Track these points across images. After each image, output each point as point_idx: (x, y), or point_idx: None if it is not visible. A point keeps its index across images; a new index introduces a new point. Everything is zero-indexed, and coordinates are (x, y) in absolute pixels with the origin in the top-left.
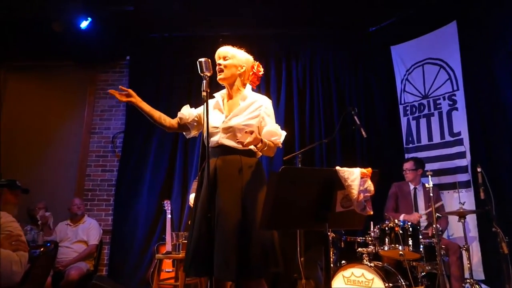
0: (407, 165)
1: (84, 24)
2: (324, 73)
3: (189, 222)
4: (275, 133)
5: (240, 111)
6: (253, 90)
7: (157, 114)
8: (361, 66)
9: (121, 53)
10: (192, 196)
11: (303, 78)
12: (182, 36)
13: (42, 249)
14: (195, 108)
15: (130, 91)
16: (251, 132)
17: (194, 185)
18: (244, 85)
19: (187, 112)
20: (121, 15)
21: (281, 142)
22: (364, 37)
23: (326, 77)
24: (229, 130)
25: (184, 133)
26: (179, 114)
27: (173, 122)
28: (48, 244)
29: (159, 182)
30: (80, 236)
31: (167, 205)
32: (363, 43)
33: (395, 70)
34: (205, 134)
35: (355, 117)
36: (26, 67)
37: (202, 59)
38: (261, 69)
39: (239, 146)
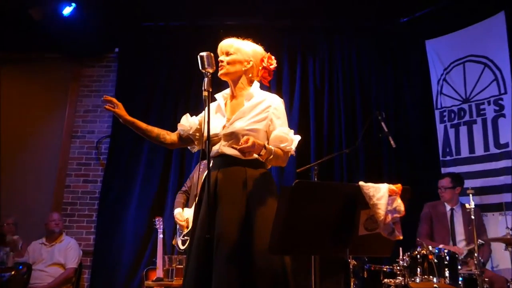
0: (443, 182)
1: (67, 11)
2: (346, 71)
3: (173, 242)
4: (285, 139)
5: (244, 113)
6: (264, 87)
7: (155, 131)
8: (390, 64)
9: (109, 45)
10: (177, 211)
11: (321, 77)
12: (180, 26)
13: (12, 272)
14: (196, 115)
15: (115, 100)
16: (247, 141)
17: (179, 198)
18: (251, 82)
19: (188, 122)
20: (110, 1)
21: (294, 149)
22: (394, 30)
23: (349, 76)
24: (231, 137)
25: (189, 147)
26: (179, 126)
27: (174, 137)
28: (20, 267)
29: (150, 195)
30: (56, 258)
31: (159, 223)
32: (393, 37)
33: (430, 68)
34: (205, 142)
35: (382, 124)
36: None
37: (204, 53)
38: (273, 62)
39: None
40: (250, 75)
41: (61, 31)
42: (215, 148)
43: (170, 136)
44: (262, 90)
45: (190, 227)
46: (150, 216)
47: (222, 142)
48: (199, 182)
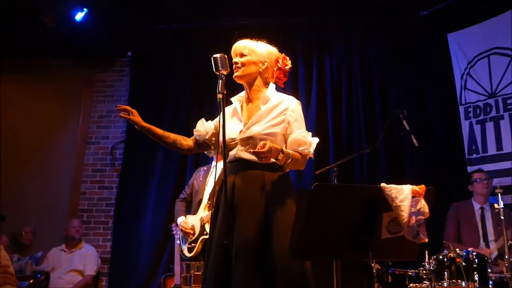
0: (480, 175)
1: (79, 16)
2: (365, 68)
3: (178, 249)
4: (303, 142)
5: (261, 117)
6: (279, 88)
7: (171, 137)
8: (410, 59)
9: (122, 49)
10: (181, 219)
11: (338, 75)
12: (193, 28)
13: (31, 280)
14: (211, 118)
15: (129, 108)
16: (263, 146)
17: (180, 206)
18: (267, 84)
19: (203, 127)
20: (122, 4)
21: (312, 152)
22: (414, 24)
23: (367, 73)
24: (248, 142)
25: (205, 152)
26: (195, 132)
27: (190, 142)
28: (39, 276)
29: (166, 201)
30: (76, 265)
31: (176, 229)
32: (413, 31)
33: (453, 63)
34: (221, 146)
35: (404, 122)
36: (13, 65)
37: (217, 55)
38: (288, 62)
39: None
40: (266, 76)
41: (74, 37)
42: (232, 153)
43: (187, 142)
44: (278, 92)
45: (196, 234)
46: (166, 222)
47: (239, 147)
48: (203, 188)
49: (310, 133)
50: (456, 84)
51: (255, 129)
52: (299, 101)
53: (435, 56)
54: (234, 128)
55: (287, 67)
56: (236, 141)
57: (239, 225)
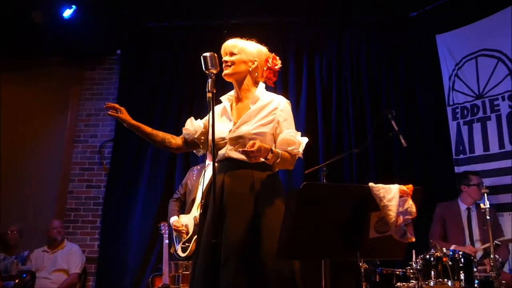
0: (478, 180)
1: (67, 13)
2: (355, 69)
3: (172, 250)
4: (292, 142)
5: (250, 116)
6: (269, 88)
7: (160, 136)
8: (400, 60)
9: (111, 47)
10: (173, 219)
11: (328, 75)
12: (183, 26)
13: (16, 280)
14: (201, 117)
15: (117, 106)
16: (253, 145)
17: (173, 205)
18: (256, 83)
19: (192, 126)
20: (111, 1)
21: (301, 151)
22: (404, 24)
23: (357, 74)
24: (238, 141)
25: (194, 151)
26: (184, 130)
27: (179, 141)
28: (24, 276)
29: (155, 200)
30: (59, 264)
31: (164, 228)
32: (402, 32)
33: (441, 64)
34: (210, 145)
35: (393, 122)
36: (0, 64)
37: (207, 54)
38: (278, 62)
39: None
40: (255, 76)
41: (62, 34)
42: (221, 152)
43: (176, 141)
44: (267, 92)
45: (190, 234)
46: (155, 222)
47: (229, 146)
48: (196, 187)
49: (299, 133)
50: (444, 85)
51: (245, 129)
52: (289, 101)
53: (424, 57)
54: (223, 127)
55: (276, 67)
56: (225, 140)
57: (228, 224)
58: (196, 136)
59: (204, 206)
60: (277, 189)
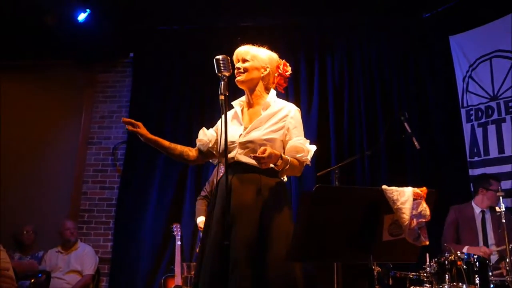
0: (498, 185)
1: (81, 17)
2: (366, 70)
3: (197, 250)
4: (301, 149)
5: (261, 122)
6: (279, 94)
7: (178, 149)
8: (412, 61)
9: (124, 50)
10: (200, 219)
11: (340, 76)
12: (195, 29)
13: (32, 280)
14: (213, 120)
15: (134, 121)
16: (264, 151)
17: (200, 204)
18: (267, 89)
19: (206, 136)
20: (124, 6)
21: (310, 159)
22: (416, 25)
23: (369, 75)
24: (247, 146)
25: (210, 160)
26: (198, 142)
27: (195, 153)
28: (40, 275)
29: (167, 202)
30: (73, 265)
31: (177, 230)
32: (415, 33)
33: (455, 65)
34: (221, 148)
35: (405, 124)
36: (15, 66)
37: (220, 56)
38: (288, 69)
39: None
40: (267, 82)
41: (76, 37)
42: (230, 155)
43: (192, 153)
44: (278, 98)
45: None
46: (167, 223)
47: (238, 150)
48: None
49: (308, 141)
50: (458, 87)
51: (255, 134)
52: (299, 108)
53: (437, 58)
54: (234, 131)
55: (287, 73)
56: (235, 144)
57: (236, 228)
58: (210, 146)
59: (211, 207)
60: (284, 196)
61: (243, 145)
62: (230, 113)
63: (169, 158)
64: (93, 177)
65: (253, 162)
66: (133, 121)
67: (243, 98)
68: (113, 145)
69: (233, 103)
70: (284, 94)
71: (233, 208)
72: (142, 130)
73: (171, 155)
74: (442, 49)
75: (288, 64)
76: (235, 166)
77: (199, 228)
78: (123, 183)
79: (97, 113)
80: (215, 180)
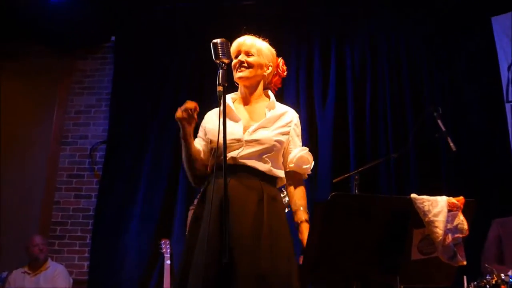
0: None
1: None
2: (392, 59)
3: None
4: (307, 160)
5: (269, 122)
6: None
7: (201, 156)
8: (447, 48)
9: (105, 33)
10: None
11: (361, 67)
12: (189, 8)
13: None
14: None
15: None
16: None
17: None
18: (265, 90)
19: (204, 134)
20: None
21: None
22: (452, 5)
23: (396, 65)
24: (253, 145)
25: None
26: (198, 142)
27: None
28: None
29: (154, 213)
30: None
31: (166, 246)
32: (449, 15)
33: (498, 52)
34: (220, 146)
35: (439, 121)
36: None
37: (218, 40)
38: (285, 68)
39: (262, 167)
40: (267, 82)
41: (48, 20)
42: (230, 154)
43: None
44: (278, 102)
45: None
46: (155, 238)
47: (244, 150)
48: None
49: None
50: (502, 78)
51: (265, 133)
52: (315, 98)
53: (476, 43)
54: (232, 128)
55: (285, 73)
56: (241, 142)
57: (233, 231)
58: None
59: (198, 213)
60: (282, 208)
61: (249, 143)
62: (220, 109)
63: (157, 161)
64: (67, 184)
65: (256, 164)
66: (197, 106)
67: (234, 95)
68: (90, 146)
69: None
70: (295, 87)
71: (232, 213)
72: (193, 119)
73: (193, 161)
74: (482, 33)
75: (301, 52)
76: (235, 168)
77: None
78: (102, 191)
79: (72, 107)
80: None
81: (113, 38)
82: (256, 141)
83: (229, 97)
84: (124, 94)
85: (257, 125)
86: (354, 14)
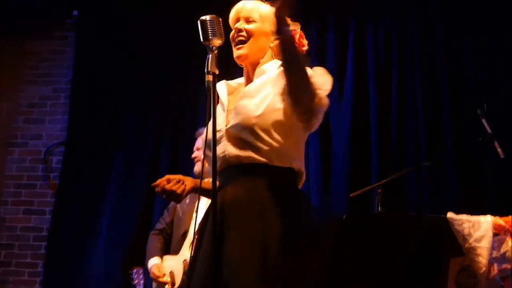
0: None
1: None
2: (424, 44)
3: None
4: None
5: (249, 95)
6: None
7: None
8: (492, 31)
9: (65, 6)
10: (152, 263)
11: (386, 52)
12: None
13: None
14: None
15: (182, 177)
16: None
17: (154, 241)
18: None
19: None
20: None
21: (329, 89)
22: None
23: (428, 51)
24: (235, 131)
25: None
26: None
27: None
28: None
29: (124, 232)
30: None
31: (138, 276)
32: None
33: None
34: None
35: (484, 122)
36: None
37: (207, 17)
38: (305, 42)
39: (259, 159)
40: (277, 55)
41: None
42: (219, 154)
43: None
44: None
45: (177, 285)
46: (125, 266)
47: (226, 143)
48: (189, 216)
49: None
50: None
51: (244, 110)
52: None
53: None
54: (218, 118)
55: (304, 48)
56: (221, 133)
57: (229, 260)
58: None
59: (199, 233)
60: (299, 212)
61: (230, 132)
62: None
63: (130, 166)
64: (14, 196)
65: (250, 154)
66: (181, 177)
67: (237, 80)
68: (45, 148)
69: (220, 83)
70: None
71: (226, 235)
72: (189, 181)
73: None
74: None
75: (314, 32)
76: (229, 171)
77: (153, 276)
78: (59, 205)
79: (23, 100)
80: (178, 207)
81: (75, 12)
82: (235, 126)
83: (223, 87)
84: (88, 83)
85: (236, 105)
86: None
